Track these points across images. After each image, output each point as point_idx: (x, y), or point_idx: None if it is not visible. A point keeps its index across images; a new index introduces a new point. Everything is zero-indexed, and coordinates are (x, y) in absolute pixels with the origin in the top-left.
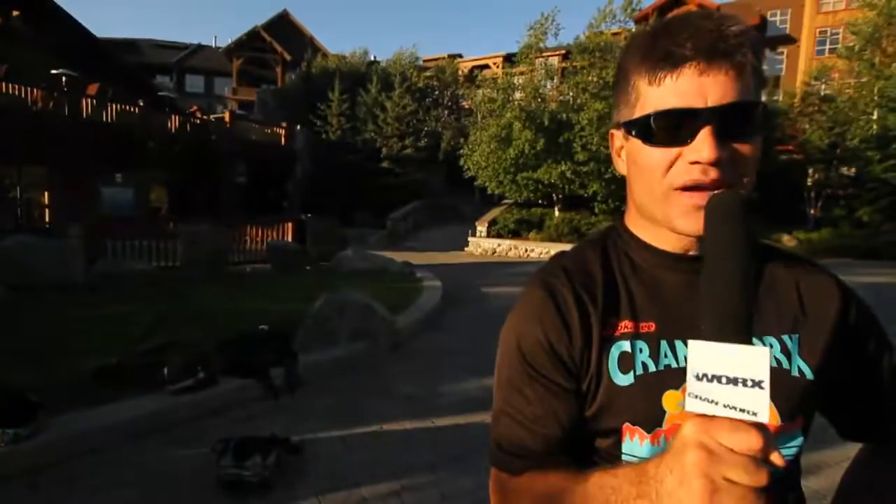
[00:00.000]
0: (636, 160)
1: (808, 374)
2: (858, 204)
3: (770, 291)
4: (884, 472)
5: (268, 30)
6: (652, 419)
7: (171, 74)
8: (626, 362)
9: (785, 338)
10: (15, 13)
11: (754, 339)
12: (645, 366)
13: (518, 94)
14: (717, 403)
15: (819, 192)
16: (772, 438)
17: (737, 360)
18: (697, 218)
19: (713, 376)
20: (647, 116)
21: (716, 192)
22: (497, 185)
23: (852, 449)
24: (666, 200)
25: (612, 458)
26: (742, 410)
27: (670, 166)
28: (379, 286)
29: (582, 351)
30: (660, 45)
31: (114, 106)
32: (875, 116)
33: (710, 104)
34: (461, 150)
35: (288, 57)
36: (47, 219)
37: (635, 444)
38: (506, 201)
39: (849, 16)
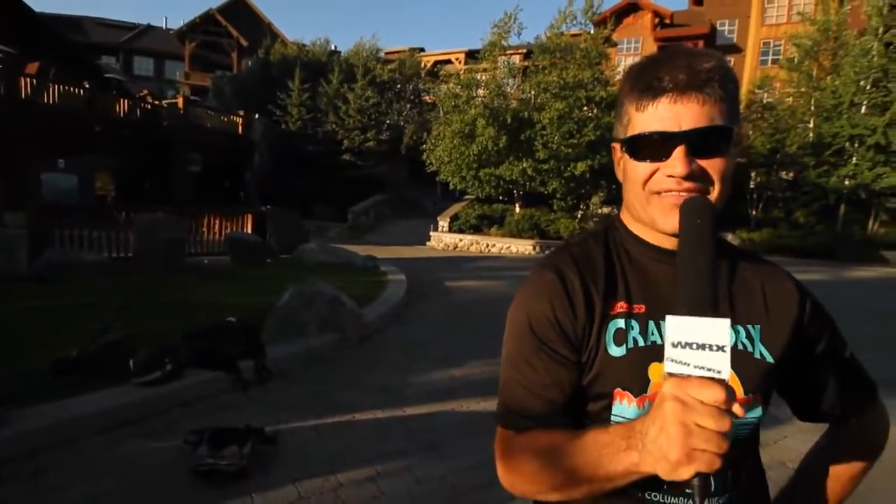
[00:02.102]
0: (626, 170)
1: (769, 358)
2: (795, 206)
3: (740, 288)
4: (834, 448)
5: (223, 13)
6: (639, 386)
7: (117, 55)
8: (620, 337)
9: (749, 327)
10: None
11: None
12: (635, 340)
13: (481, 91)
14: (689, 365)
15: (760, 195)
16: (733, 392)
17: (703, 330)
18: (674, 216)
19: (685, 343)
20: (633, 137)
21: (689, 195)
22: (460, 181)
23: (788, 429)
24: (648, 203)
25: (603, 419)
26: (709, 370)
27: (651, 176)
28: (343, 279)
29: (584, 327)
30: (644, 78)
31: (56, 86)
32: (811, 125)
33: (683, 128)
34: (424, 145)
35: (244, 42)
36: None
37: (624, 406)
38: (467, 197)
39: (790, 29)
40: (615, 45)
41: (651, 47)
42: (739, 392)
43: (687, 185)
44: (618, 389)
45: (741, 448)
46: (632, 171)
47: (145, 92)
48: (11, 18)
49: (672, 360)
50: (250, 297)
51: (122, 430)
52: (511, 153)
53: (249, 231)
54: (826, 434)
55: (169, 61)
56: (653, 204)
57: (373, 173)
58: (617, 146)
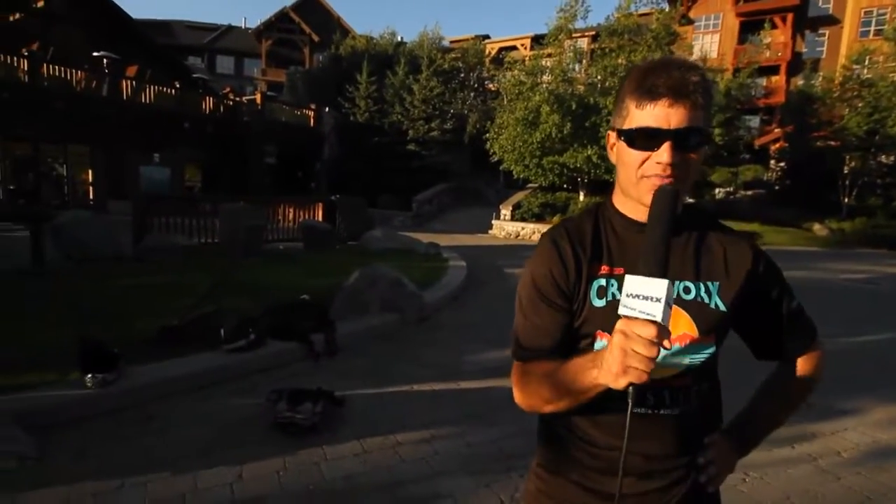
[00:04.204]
0: (622, 156)
1: (722, 308)
2: None
3: (706, 251)
4: (780, 379)
5: (296, 10)
6: (613, 328)
7: (202, 56)
8: (601, 292)
9: (709, 283)
10: None
11: (690, 283)
12: (613, 295)
13: (546, 77)
14: (634, 310)
15: (854, 181)
16: (664, 331)
17: (648, 286)
18: None
19: (634, 295)
20: (633, 129)
21: (663, 184)
22: (522, 169)
23: (849, 422)
24: (639, 183)
25: (588, 350)
26: (647, 314)
27: (643, 163)
28: (406, 264)
29: (575, 284)
30: (646, 82)
31: (152, 87)
32: None
33: (672, 127)
34: (487, 134)
35: (316, 38)
36: (91, 196)
37: (603, 342)
38: (530, 185)
39: None
40: (692, 22)
41: (732, 24)
42: (695, 333)
43: (669, 171)
44: (599, 331)
45: (693, 375)
46: (627, 156)
47: (228, 89)
48: (114, 27)
49: (625, 306)
50: (321, 279)
51: (212, 388)
52: (575, 140)
53: (320, 219)
54: (777, 368)
55: (247, 59)
56: (641, 184)
57: (436, 162)
58: (613, 134)
